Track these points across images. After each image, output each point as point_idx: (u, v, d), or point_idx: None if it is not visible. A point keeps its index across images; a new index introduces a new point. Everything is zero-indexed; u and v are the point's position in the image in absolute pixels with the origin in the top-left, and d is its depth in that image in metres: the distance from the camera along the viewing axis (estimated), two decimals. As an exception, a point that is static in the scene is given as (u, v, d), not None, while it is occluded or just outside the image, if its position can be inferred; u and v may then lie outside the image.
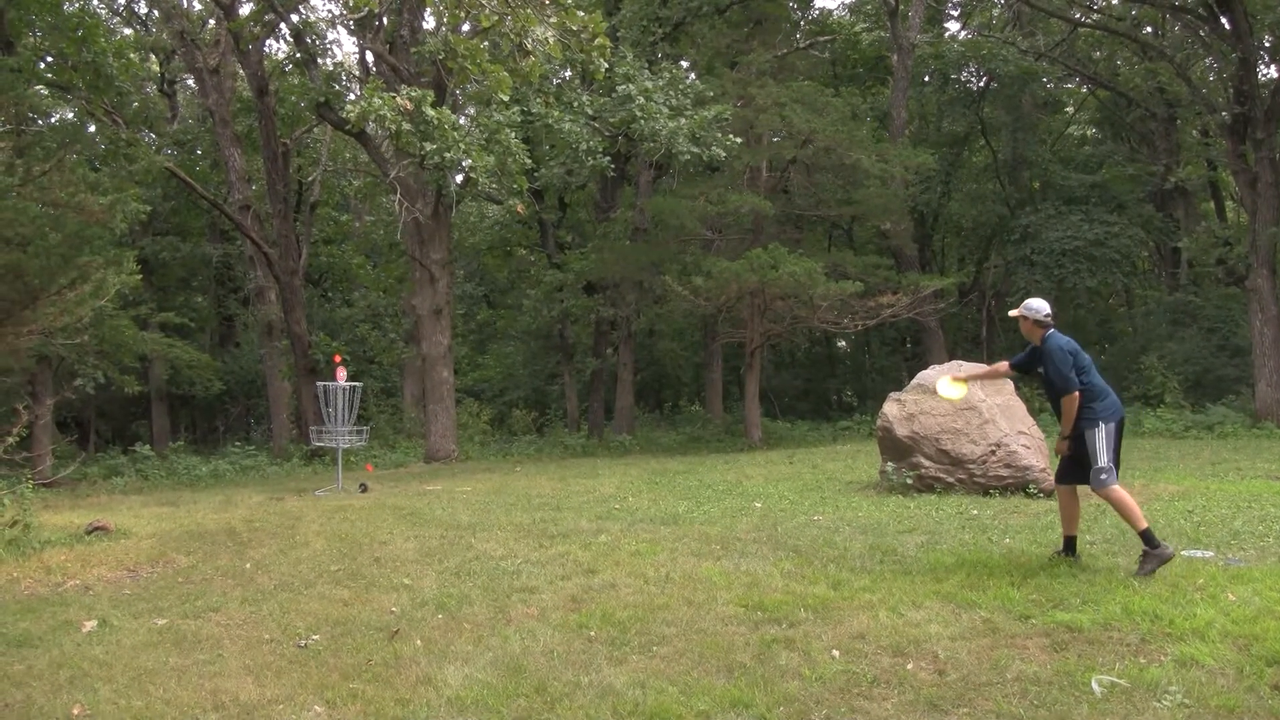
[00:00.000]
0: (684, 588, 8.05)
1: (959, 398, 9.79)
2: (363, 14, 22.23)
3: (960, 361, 15.01)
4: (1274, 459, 16.80)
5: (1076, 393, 7.89)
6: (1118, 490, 7.73)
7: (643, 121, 21.91)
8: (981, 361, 17.64)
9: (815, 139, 25.16)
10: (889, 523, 10.78)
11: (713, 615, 7.19)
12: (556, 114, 22.02)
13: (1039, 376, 8.40)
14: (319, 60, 25.36)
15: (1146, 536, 7.66)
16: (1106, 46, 34.36)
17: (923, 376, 14.26)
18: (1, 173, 16.10)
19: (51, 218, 17.71)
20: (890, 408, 13.94)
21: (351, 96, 26.36)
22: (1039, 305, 8.27)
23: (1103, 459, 7.75)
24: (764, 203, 25.09)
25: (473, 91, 23.51)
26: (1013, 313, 8.49)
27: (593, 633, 6.89)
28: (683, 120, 22.35)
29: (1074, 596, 7.12)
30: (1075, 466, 8.10)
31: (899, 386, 15.26)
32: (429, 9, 23.41)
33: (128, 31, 33.72)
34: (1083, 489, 8.16)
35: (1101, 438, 7.77)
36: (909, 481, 13.32)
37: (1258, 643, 5.95)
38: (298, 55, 25.59)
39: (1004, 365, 9.05)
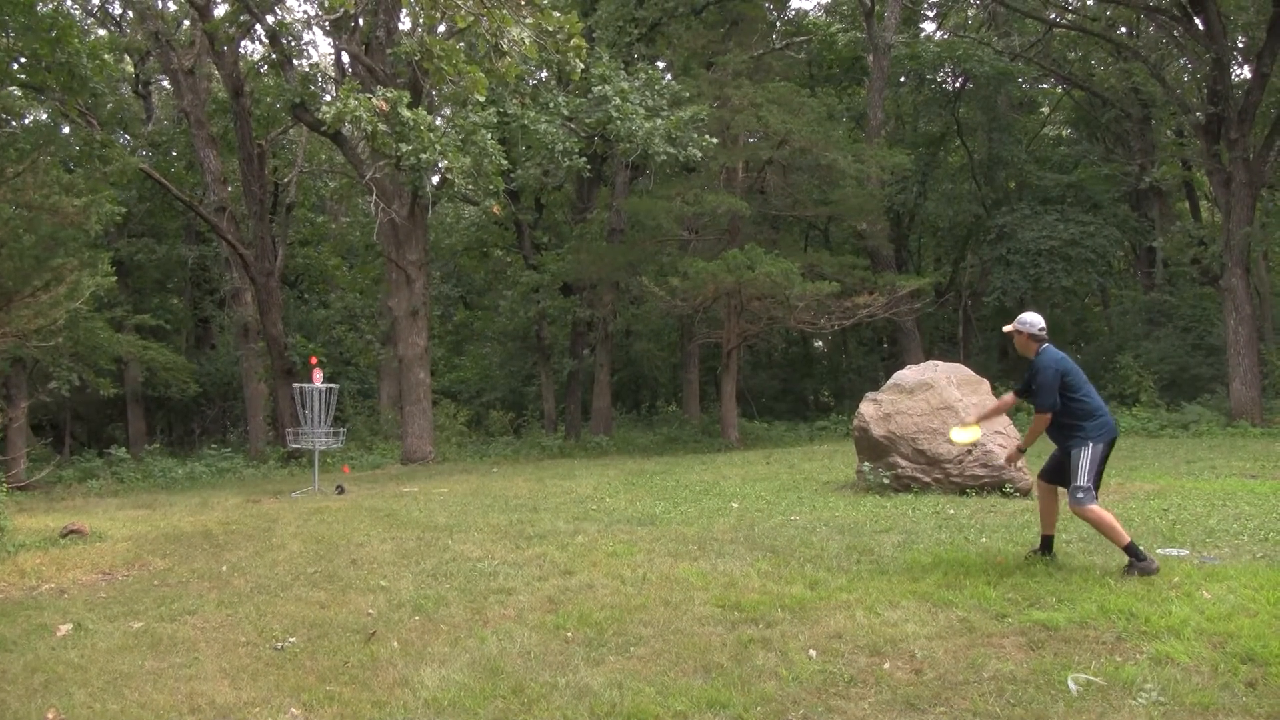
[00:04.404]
0: (661, 588, 8.06)
1: (974, 440, 9.71)
2: (338, 15, 22.21)
3: (936, 361, 15.03)
4: (1248, 457, 16.90)
5: (1048, 414, 7.94)
6: (1095, 509, 7.69)
7: (619, 122, 21.89)
8: (957, 361, 17.65)
9: (791, 139, 25.18)
10: (866, 522, 10.80)
11: (690, 616, 7.20)
12: (532, 115, 22.00)
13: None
14: (295, 61, 25.27)
15: (1131, 550, 7.65)
16: (1081, 47, 34.50)
17: (899, 376, 14.29)
18: (-26, 175, 16.04)
19: (25, 219, 17.63)
20: (867, 408, 13.96)
21: (327, 97, 26.29)
22: (1033, 320, 8.25)
23: (1083, 478, 7.73)
24: (740, 203, 25.10)
25: (449, 92, 23.48)
26: (1007, 328, 8.47)
27: (570, 634, 6.89)
28: (659, 121, 22.32)
29: (1050, 595, 7.15)
30: (1059, 468, 8.11)
31: (876, 386, 15.30)
32: (405, 10, 23.38)
33: (102, 32, 33.47)
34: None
35: (1086, 458, 7.76)
36: (886, 481, 13.35)
37: (1232, 640, 5.99)
38: (273, 56, 25.46)
39: (1009, 397, 8.87)
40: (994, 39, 33.21)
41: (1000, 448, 12.77)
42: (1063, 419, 7.96)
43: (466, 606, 7.81)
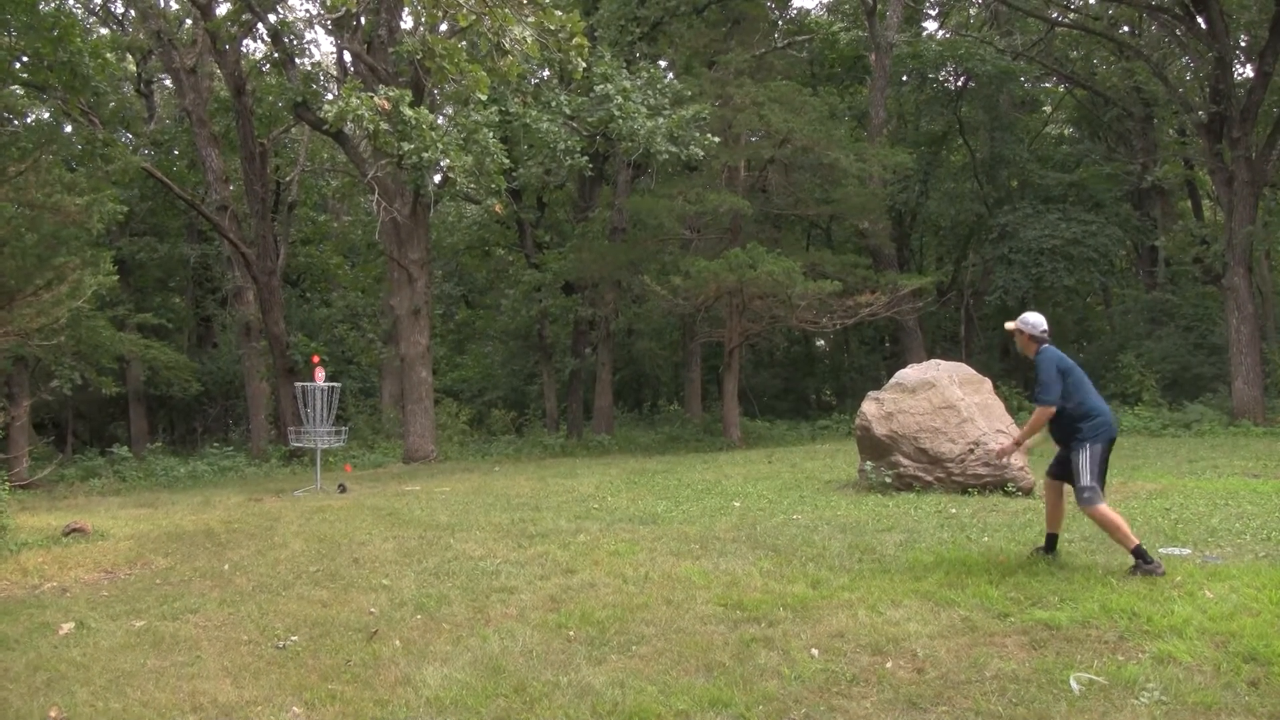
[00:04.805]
0: (663, 587, 8.05)
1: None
2: (340, 14, 22.20)
3: (939, 360, 15.02)
4: (1250, 456, 16.88)
5: (1051, 408, 7.96)
6: (1102, 509, 7.68)
7: (621, 121, 21.86)
8: (959, 360, 17.63)
9: (793, 138, 25.15)
10: (868, 521, 10.79)
11: (692, 614, 7.19)
12: (534, 114, 21.97)
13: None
14: (296, 60, 25.23)
15: (1138, 553, 7.63)
16: (1084, 46, 34.48)
17: (901, 375, 14.28)
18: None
19: (28, 218, 17.62)
20: (869, 407, 13.95)
21: (329, 96, 26.26)
22: (1036, 320, 8.27)
23: (1086, 479, 7.74)
24: (742, 202, 25.06)
25: (451, 91, 23.45)
26: (1009, 326, 8.48)
27: (572, 632, 6.89)
28: (661, 120, 22.29)
29: (1052, 594, 7.14)
30: (1065, 465, 8.11)
31: (878, 385, 15.27)
32: (407, 9, 23.37)
33: (104, 31, 33.55)
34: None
35: (1086, 458, 7.78)
36: (888, 480, 13.33)
37: (1235, 639, 5.98)
38: (275, 55, 25.50)
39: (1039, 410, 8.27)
40: (996, 38, 33.18)
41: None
42: (1061, 420, 7.99)
43: (468, 605, 7.80)
